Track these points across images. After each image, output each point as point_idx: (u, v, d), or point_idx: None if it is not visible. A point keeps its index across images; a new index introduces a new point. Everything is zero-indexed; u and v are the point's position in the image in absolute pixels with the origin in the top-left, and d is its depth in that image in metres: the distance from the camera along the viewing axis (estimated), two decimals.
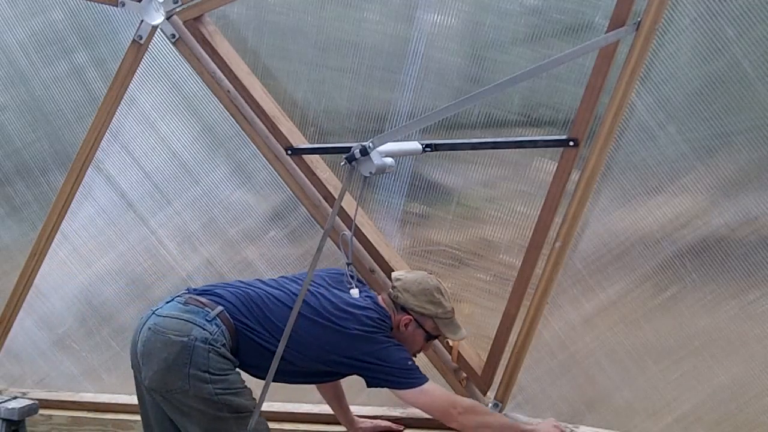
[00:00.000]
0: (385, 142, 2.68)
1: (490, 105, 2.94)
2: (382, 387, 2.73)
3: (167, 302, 2.67)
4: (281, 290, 2.77)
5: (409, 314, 2.84)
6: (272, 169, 3.19)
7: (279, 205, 3.30)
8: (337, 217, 3.12)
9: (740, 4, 2.51)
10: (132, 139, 3.35)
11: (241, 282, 2.83)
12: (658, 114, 2.72)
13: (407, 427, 3.31)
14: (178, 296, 2.69)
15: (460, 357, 3.19)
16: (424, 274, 2.92)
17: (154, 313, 2.64)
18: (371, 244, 3.17)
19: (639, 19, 2.58)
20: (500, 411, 3.21)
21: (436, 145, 2.88)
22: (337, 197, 3.10)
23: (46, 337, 3.65)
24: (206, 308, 2.63)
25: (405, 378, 2.68)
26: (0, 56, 3.38)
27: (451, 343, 3.19)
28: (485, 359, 3.18)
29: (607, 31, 2.61)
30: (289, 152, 3.13)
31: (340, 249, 2.97)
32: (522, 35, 2.89)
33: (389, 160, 2.70)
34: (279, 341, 2.48)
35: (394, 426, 3.24)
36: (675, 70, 2.66)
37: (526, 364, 3.11)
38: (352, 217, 2.94)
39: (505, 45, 2.91)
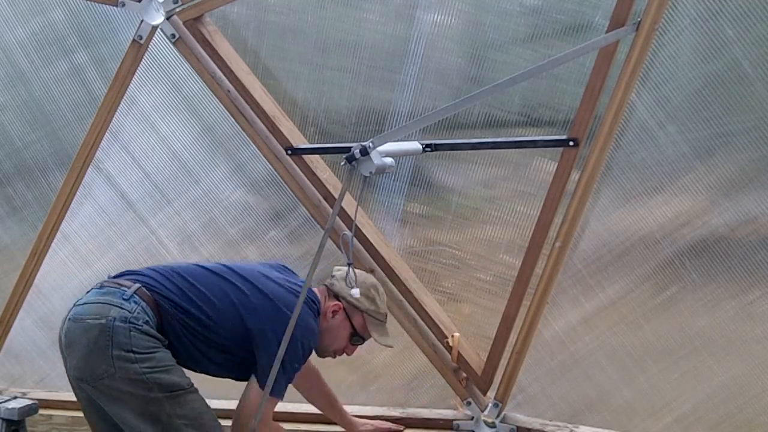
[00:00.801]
0: (385, 142, 2.68)
1: (490, 105, 2.94)
2: (252, 370, 2.65)
3: (87, 292, 2.63)
4: (213, 263, 2.75)
5: (340, 302, 2.79)
6: (272, 169, 3.19)
7: (279, 205, 3.30)
8: (337, 217, 3.12)
9: (740, 4, 2.51)
10: (132, 139, 3.35)
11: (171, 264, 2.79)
12: (658, 114, 2.72)
13: (407, 427, 3.31)
14: (97, 283, 2.64)
15: (460, 357, 3.19)
16: (367, 274, 2.92)
17: (75, 305, 2.60)
18: (371, 244, 3.16)
19: (639, 19, 2.58)
20: (500, 411, 3.21)
21: (436, 145, 2.87)
22: (337, 197, 3.10)
23: (46, 337, 3.65)
24: (122, 287, 2.56)
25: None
26: (0, 56, 3.38)
27: (451, 343, 3.19)
28: (485, 359, 3.18)
29: (607, 31, 2.61)
30: (289, 152, 3.13)
31: (340, 249, 2.96)
32: (522, 35, 2.89)
33: (389, 160, 2.70)
34: (206, 311, 2.50)
35: (393, 426, 3.23)
36: (675, 70, 2.66)
37: (526, 364, 3.11)
38: (353, 218, 2.94)
39: (505, 45, 2.91)
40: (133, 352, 2.47)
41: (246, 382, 2.70)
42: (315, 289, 2.82)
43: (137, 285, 2.57)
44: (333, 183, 3.16)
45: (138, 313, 2.51)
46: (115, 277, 2.66)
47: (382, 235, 3.24)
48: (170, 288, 2.62)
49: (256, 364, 2.63)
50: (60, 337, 2.61)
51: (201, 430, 2.56)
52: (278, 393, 2.61)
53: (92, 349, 2.47)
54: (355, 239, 3.15)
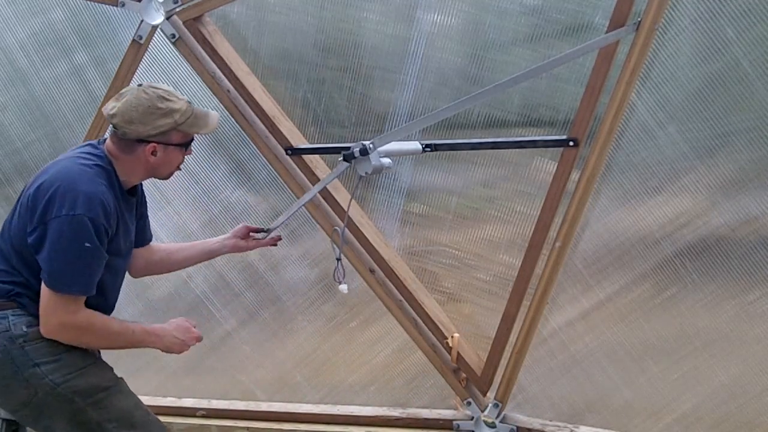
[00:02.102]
0: (386, 143, 2.69)
1: (490, 105, 2.94)
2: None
3: None
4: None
5: (150, 142, 2.45)
6: (272, 169, 3.19)
7: (279, 205, 3.30)
8: (333, 213, 3.12)
9: (740, 4, 2.51)
10: None
11: None
12: (658, 114, 2.72)
13: (407, 427, 3.31)
14: None
15: (459, 358, 3.19)
16: (134, 91, 2.45)
17: None
18: (371, 244, 3.16)
19: (639, 19, 2.58)
20: (500, 411, 3.21)
21: (436, 145, 2.88)
22: (335, 196, 3.11)
23: None
24: None
25: (56, 274, 2.32)
26: (0, 56, 3.39)
27: (450, 344, 3.19)
28: (485, 359, 3.18)
29: (607, 31, 2.61)
30: (289, 152, 3.13)
31: (332, 245, 2.93)
32: (522, 35, 2.89)
33: (386, 161, 2.71)
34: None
35: (252, 226, 2.94)
36: (675, 70, 2.66)
37: (526, 364, 3.11)
38: (346, 210, 2.91)
39: (505, 45, 2.91)
40: (38, 365, 2.36)
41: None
42: (102, 146, 2.50)
43: (12, 299, 2.41)
44: (333, 183, 3.16)
45: (12, 324, 2.38)
46: None
47: (382, 235, 3.24)
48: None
49: (43, 265, 2.36)
50: None
51: (134, 429, 2.47)
52: (71, 288, 2.34)
53: (6, 381, 2.37)
54: (355, 239, 3.16)
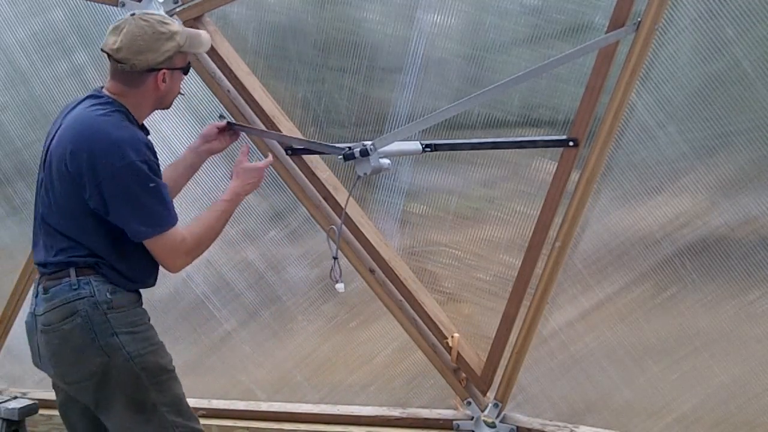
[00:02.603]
0: (386, 145, 2.69)
1: (490, 106, 2.94)
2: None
3: (35, 297, 2.46)
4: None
5: (159, 69, 2.42)
6: (272, 169, 3.19)
7: (279, 205, 3.30)
8: (333, 214, 3.12)
9: (740, 4, 2.51)
10: None
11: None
12: (658, 114, 2.72)
13: (407, 427, 3.31)
14: (41, 287, 2.44)
15: (459, 358, 3.19)
16: (130, 21, 2.39)
17: (34, 315, 2.44)
18: (371, 244, 3.16)
19: (639, 19, 2.58)
20: (500, 411, 3.21)
21: (436, 145, 2.88)
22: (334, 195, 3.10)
23: None
24: (62, 280, 2.39)
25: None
26: (0, 56, 3.39)
27: (450, 344, 3.19)
28: (485, 359, 3.18)
29: (607, 31, 2.62)
30: (289, 152, 3.13)
31: (329, 242, 2.90)
32: (522, 35, 2.89)
33: (385, 162, 2.71)
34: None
35: (219, 124, 2.86)
36: (675, 70, 2.66)
37: (526, 364, 3.11)
38: (343, 207, 2.91)
39: (505, 45, 2.92)
40: (116, 335, 2.37)
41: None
42: (104, 89, 2.47)
43: (70, 269, 2.39)
44: (333, 183, 3.16)
45: (96, 290, 2.38)
46: (42, 266, 2.46)
47: (382, 235, 3.24)
48: (76, 244, 2.41)
49: (124, 223, 2.37)
50: (36, 351, 2.47)
51: (181, 417, 2.48)
52: (167, 221, 2.38)
53: (81, 349, 2.37)
54: (354, 239, 3.16)
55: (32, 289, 2.52)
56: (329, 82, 3.15)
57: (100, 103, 2.42)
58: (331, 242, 2.87)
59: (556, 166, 2.85)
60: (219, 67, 3.08)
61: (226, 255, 3.42)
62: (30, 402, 3.51)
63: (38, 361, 2.50)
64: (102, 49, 2.43)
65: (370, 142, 2.68)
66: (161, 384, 2.44)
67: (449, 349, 3.21)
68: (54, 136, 2.45)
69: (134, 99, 2.46)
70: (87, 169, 2.31)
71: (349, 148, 2.71)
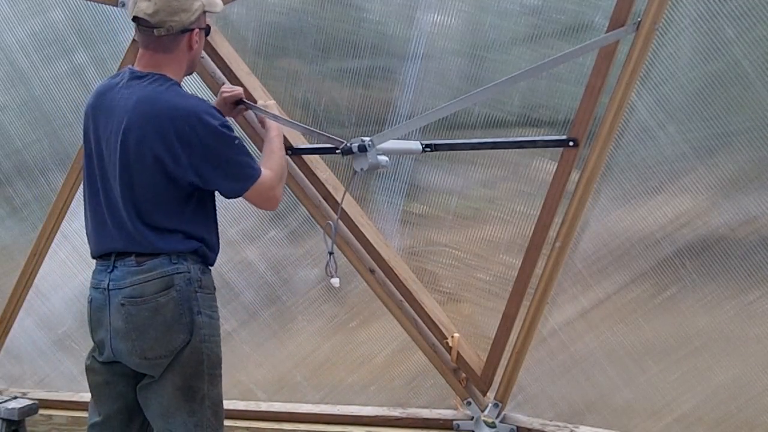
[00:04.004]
0: (384, 141, 2.69)
1: (490, 105, 2.94)
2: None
3: (111, 270, 2.43)
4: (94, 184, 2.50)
5: (192, 29, 2.47)
6: None
7: (279, 205, 3.29)
8: (333, 214, 3.12)
9: (740, 4, 2.51)
10: None
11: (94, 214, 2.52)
12: (658, 114, 2.72)
13: (407, 427, 3.31)
14: (121, 261, 2.43)
15: (459, 357, 3.19)
16: None
17: (116, 288, 2.41)
18: (371, 244, 3.16)
19: (639, 19, 2.58)
20: (500, 411, 3.21)
21: (435, 145, 2.88)
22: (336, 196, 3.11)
23: (46, 337, 3.65)
24: (160, 256, 2.40)
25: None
26: (0, 56, 3.38)
27: (450, 344, 3.19)
28: (485, 359, 3.18)
29: (607, 31, 2.61)
30: (290, 152, 3.13)
31: (324, 237, 2.89)
32: (522, 35, 2.89)
33: (383, 159, 2.71)
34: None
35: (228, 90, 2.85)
36: (675, 70, 2.66)
37: (526, 364, 3.11)
38: (339, 202, 2.90)
39: (505, 45, 2.92)
40: (200, 314, 2.42)
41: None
42: (135, 68, 2.51)
43: (188, 246, 2.44)
44: (333, 183, 3.16)
45: (192, 267, 2.44)
46: (101, 257, 2.48)
47: (382, 235, 3.24)
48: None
49: (218, 184, 2.46)
50: (105, 326, 2.43)
51: (217, 420, 2.50)
52: (258, 169, 2.49)
53: (171, 324, 2.38)
54: (354, 239, 3.16)
55: (97, 267, 2.49)
56: (329, 82, 3.15)
57: (153, 81, 2.44)
58: (327, 237, 2.87)
59: (556, 166, 2.85)
60: (219, 67, 3.08)
61: (226, 255, 3.40)
62: (30, 402, 3.50)
63: (105, 337, 2.45)
64: (135, 17, 2.43)
65: (368, 138, 2.68)
66: (214, 377, 2.48)
67: (449, 349, 3.21)
68: (104, 121, 2.44)
69: (171, 66, 2.49)
70: (177, 147, 2.36)
71: (347, 142, 2.71)
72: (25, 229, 3.55)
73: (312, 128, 2.99)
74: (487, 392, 3.24)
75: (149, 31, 2.43)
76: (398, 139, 2.78)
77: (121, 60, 3.11)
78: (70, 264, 3.54)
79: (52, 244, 3.41)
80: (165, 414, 2.44)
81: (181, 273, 2.41)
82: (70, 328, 3.63)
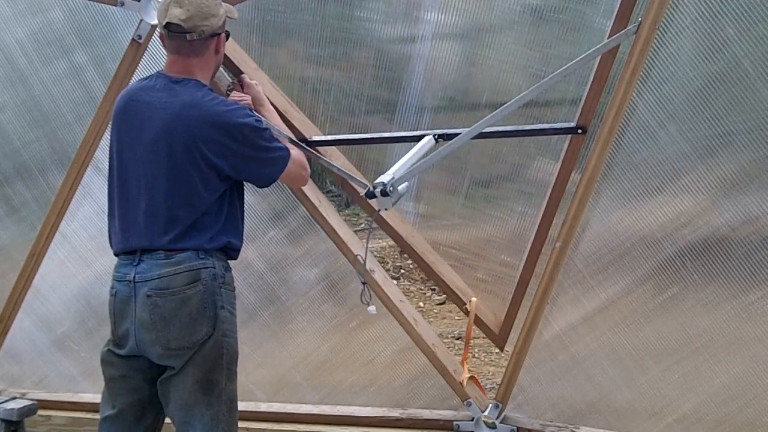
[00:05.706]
0: (402, 172, 2.60)
1: (497, 92, 2.92)
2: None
3: (137, 263, 2.48)
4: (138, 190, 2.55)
5: (219, 34, 2.57)
6: None
7: (279, 205, 3.30)
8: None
9: (740, 4, 2.51)
10: None
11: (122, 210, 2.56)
12: (658, 113, 2.72)
13: (407, 427, 3.31)
14: (148, 255, 2.48)
15: (477, 319, 3.21)
16: None
17: (143, 281, 2.46)
18: (386, 222, 3.14)
19: (640, 19, 2.58)
20: (500, 412, 3.21)
21: (447, 135, 2.83)
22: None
23: (45, 338, 3.64)
24: (186, 251, 2.47)
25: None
26: None
27: (469, 308, 3.20)
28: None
29: (609, 35, 2.61)
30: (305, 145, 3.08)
31: (357, 273, 2.93)
32: (522, 35, 2.89)
33: (403, 188, 2.62)
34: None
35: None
36: (676, 69, 2.66)
37: (526, 365, 3.11)
38: (365, 244, 2.90)
39: (505, 45, 2.91)
40: (223, 308, 2.50)
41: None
42: (164, 73, 2.57)
43: (215, 244, 2.52)
44: (348, 167, 3.13)
45: (217, 263, 2.51)
46: (126, 253, 2.52)
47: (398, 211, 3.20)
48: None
49: (257, 176, 2.63)
50: (131, 317, 2.48)
51: (231, 417, 2.55)
52: (287, 152, 2.60)
53: (195, 316, 2.45)
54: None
55: (121, 261, 2.54)
56: (329, 81, 3.15)
57: (191, 86, 2.52)
58: (359, 272, 2.93)
59: (556, 166, 2.85)
60: (225, 65, 3.07)
61: None
62: (29, 402, 3.50)
63: (130, 328, 2.49)
64: (167, 23, 2.49)
65: (389, 178, 2.55)
66: (231, 373, 2.54)
67: (467, 312, 3.23)
68: (139, 123, 2.51)
69: (201, 70, 2.57)
70: (221, 148, 2.47)
71: (371, 187, 2.60)
72: (24, 229, 3.54)
73: (345, 171, 2.94)
74: (504, 347, 3.32)
75: (182, 36, 2.50)
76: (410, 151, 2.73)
77: (120, 60, 3.10)
78: (69, 264, 3.54)
79: (51, 244, 3.40)
80: (184, 406, 2.49)
81: (207, 268, 2.49)
82: (69, 328, 3.62)
